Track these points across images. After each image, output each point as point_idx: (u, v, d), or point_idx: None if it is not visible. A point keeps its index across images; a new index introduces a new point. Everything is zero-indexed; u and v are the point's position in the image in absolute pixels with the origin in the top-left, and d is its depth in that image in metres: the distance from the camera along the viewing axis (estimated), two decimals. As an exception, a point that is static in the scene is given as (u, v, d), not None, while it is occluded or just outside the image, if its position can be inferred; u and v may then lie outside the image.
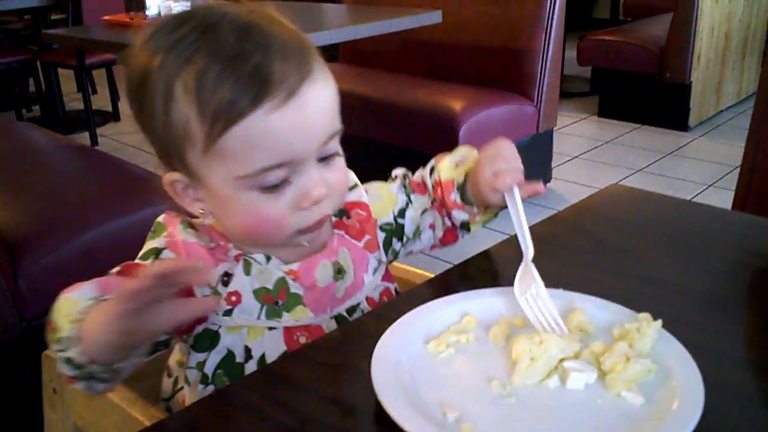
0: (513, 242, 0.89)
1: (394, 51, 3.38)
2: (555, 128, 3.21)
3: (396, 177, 0.94)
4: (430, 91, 2.96)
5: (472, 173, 0.87)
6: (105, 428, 0.82)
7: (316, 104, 0.72)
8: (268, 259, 0.81)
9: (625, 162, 3.53)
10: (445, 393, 0.62)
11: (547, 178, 3.20)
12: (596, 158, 3.60)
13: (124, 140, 4.08)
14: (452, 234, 0.93)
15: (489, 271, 0.88)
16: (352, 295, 0.84)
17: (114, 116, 4.59)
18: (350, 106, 3.52)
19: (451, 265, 0.87)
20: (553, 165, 3.25)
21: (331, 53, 3.69)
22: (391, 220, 0.90)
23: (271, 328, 0.81)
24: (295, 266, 0.81)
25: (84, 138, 4.09)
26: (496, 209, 0.89)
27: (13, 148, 2.41)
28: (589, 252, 0.88)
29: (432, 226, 0.92)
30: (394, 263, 0.99)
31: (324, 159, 0.76)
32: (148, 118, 0.74)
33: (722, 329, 0.71)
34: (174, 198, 0.79)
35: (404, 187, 0.92)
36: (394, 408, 0.58)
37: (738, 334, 0.72)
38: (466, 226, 0.91)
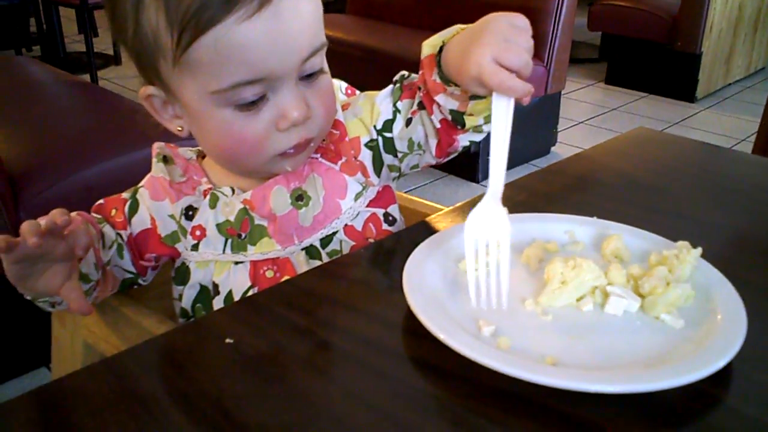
0: (542, 175, 0.87)
1: (403, 3, 3.32)
2: (562, 93, 3.17)
3: (394, 81, 0.82)
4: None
5: (451, 45, 0.69)
6: (116, 344, 0.80)
7: (293, 15, 0.67)
8: (234, 191, 0.78)
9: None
10: (479, 309, 0.60)
11: (552, 141, 3.18)
12: (601, 125, 3.57)
13: (126, 84, 4.01)
14: (449, 135, 0.76)
15: (514, 201, 0.85)
16: (326, 223, 0.79)
17: (116, 59, 4.51)
18: (357, 57, 3.50)
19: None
20: (558, 129, 3.22)
21: (338, 4, 3.63)
22: (374, 135, 0.81)
23: (237, 263, 0.79)
24: (248, 195, 0.78)
25: (85, 80, 4.03)
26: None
27: (14, 82, 2.37)
28: (616, 187, 0.86)
29: (426, 134, 0.79)
30: (411, 197, 0.96)
31: (306, 77, 0.71)
32: (120, 27, 0.70)
33: (759, 263, 0.69)
34: (153, 114, 0.77)
35: (393, 94, 0.80)
36: (429, 319, 0.56)
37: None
38: (459, 119, 0.73)
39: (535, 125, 3.02)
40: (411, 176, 2.83)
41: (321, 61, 0.73)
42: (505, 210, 0.62)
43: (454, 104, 0.72)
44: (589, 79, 4.31)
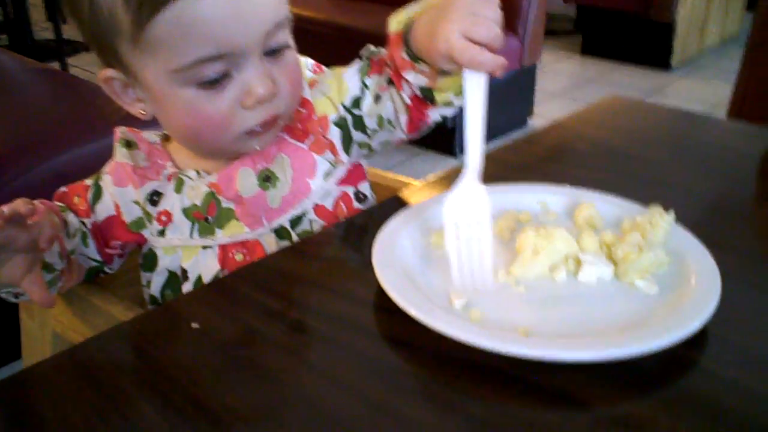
0: (515, 147, 0.86)
1: (375, -19, 3.29)
2: (538, 66, 3.16)
3: (361, 55, 0.79)
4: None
5: (418, 22, 0.67)
6: (85, 333, 0.78)
7: None
8: (199, 174, 0.76)
9: (607, 100, 3.50)
10: (450, 283, 0.59)
11: (528, 113, 3.17)
12: (577, 96, 3.57)
13: (96, 71, 3.95)
14: (420, 111, 0.74)
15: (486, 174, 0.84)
16: (295, 204, 0.77)
17: (86, 46, 4.42)
18: (328, 36, 3.45)
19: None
20: (534, 101, 3.21)
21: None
22: (343, 113, 0.78)
23: (205, 247, 0.77)
24: (214, 178, 0.76)
25: (54, 67, 3.96)
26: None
27: (-20, 71, 2.32)
28: (590, 155, 0.85)
29: (396, 111, 0.76)
30: (383, 173, 0.95)
31: (271, 53, 0.69)
32: (75, 9, 0.67)
33: (735, 226, 0.69)
34: (114, 98, 0.74)
35: (361, 71, 0.78)
36: (400, 294, 0.54)
37: (752, 230, 0.70)
38: (429, 96, 0.71)
39: (510, 98, 3.01)
40: (388, 153, 2.81)
41: (286, 36, 0.71)
42: (483, 188, 0.60)
43: (423, 81, 0.70)
44: (565, 51, 4.29)
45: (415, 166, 2.77)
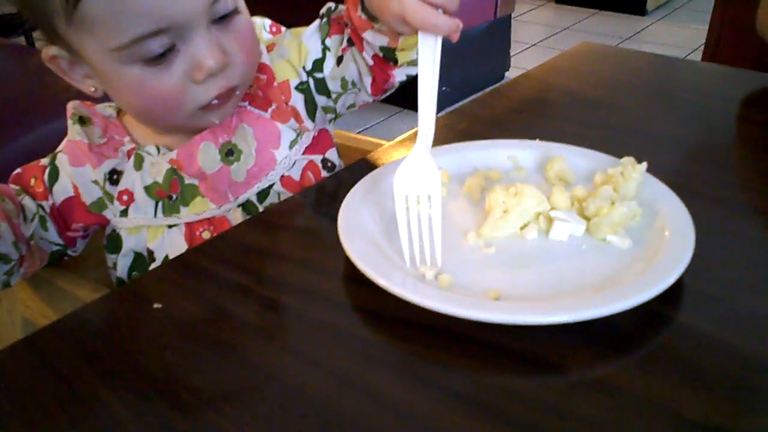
0: (485, 99, 0.83)
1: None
2: (512, 15, 3.11)
3: (321, 15, 0.76)
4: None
5: None
6: (52, 317, 0.76)
7: None
8: (159, 150, 0.73)
9: (584, 48, 3.46)
10: (419, 248, 0.57)
11: (505, 66, 3.13)
12: (554, 45, 3.53)
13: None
14: (383, 72, 0.71)
15: (456, 130, 0.82)
16: (261, 176, 0.74)
17: (50, 20, 4.35)
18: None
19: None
20: (511, 53, 3.17)
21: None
22: (304, 77, 0.75)
23: (171, 226, 0.75)
24: (174, 154, 0.73)
25: (20, 41, 3.86)
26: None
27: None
28: (563, 105, 0.83)
29: (360, 72, 0.74)
30: (354, 135, 0.93)
31: (219, 20, 0.65)
32: None
33: (710, 174, 0.67)
34: (62, 76, 0.70)
35: (321, 31, 0.74)
36: (367, 264, 0.53)
37: (726, 178, 0.68)
38: (391, 56, 0.69)
39: (486, 51, 2.96)
40: (363, 114, 2.77)
41: (234, 0, 0.66)
42: (433, 160, 0.58)
43: (383, 40, 0.67)
44: (539, 0, 4.24)
45: (393, 125, 2.74)
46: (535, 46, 3.54)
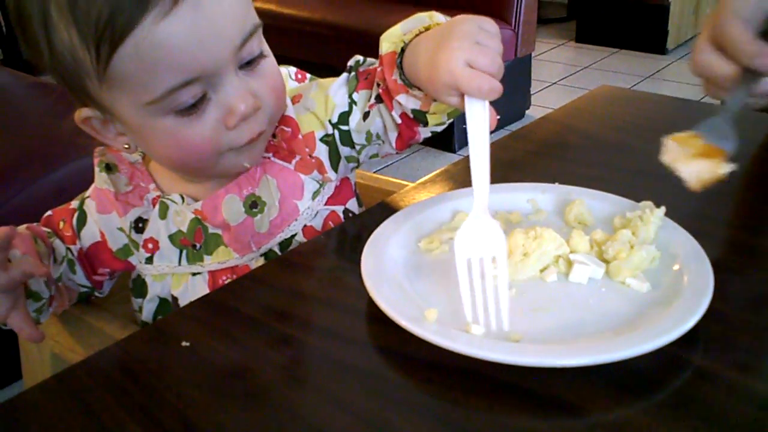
0: (506, 142, 0.85)
1: (366, -22, 3.27)
2: (533, 54, 3.14)
3: (348, 68, 0.77)
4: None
5: (415, 48, 0.65)
6: (82, 353, 0.78)
7: (214, 1, 0.61)
8: (183, 199, 0.74)
9: (604, 87, 3.48)
10: (441, 289, 0.58)
11: (526, 105, 3.15)
12: (575, 84, 3.55)
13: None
14: (410, 129, 0.73)
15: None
16: (283, 227, 0.75)
17: (79, 58, 4.45)
18: (321, 35, 3.42)
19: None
20: (531, 92, 3.20)
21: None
22: (330, 130, 0.76)
23: (194, 274, 0.76)
24: (198, 205, 0.73)
25: (48, 80, 3.95)
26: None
27: (-25, 88, 2.32)
28: (582, 148, 0.84)
29: (385, 126, 0.75)
30: (375, 176, 0.94)
31: (246, 65, 0.66)
32: (35, 51, 0.63)
33: (725, 218, 0.68)
34: (95, 136, 0.71)
35: (348, 85, 0.76)
36: (390, 305, 0.54)
37: (745, 222, 0.69)
38: (422, 118, 0.70)
39: (507, 90, 2.94)
40: (386, 152, 2.80)
41: (259, 44, 0.67)
42: (497, 222, 0.57)
43: (416, 104, 0.69)
44: (559, 39, 4.28)
45: (414, 163, 2.76)
46: (555, 84, 3.56)
